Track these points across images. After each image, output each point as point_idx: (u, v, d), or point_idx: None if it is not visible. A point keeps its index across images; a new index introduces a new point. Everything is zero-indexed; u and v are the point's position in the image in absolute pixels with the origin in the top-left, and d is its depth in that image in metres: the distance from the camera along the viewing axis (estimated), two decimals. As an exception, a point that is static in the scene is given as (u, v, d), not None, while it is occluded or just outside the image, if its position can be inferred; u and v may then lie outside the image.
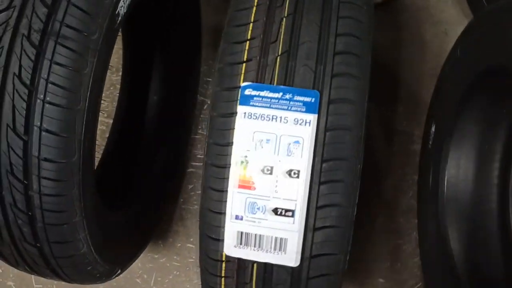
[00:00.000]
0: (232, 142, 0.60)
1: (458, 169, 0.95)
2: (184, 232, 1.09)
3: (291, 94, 0.59)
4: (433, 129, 0.98)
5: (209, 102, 1.14)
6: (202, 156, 1.12)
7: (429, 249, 0.98)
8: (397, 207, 1.05)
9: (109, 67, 1.17)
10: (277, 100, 0.59)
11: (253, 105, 0.59)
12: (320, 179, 0.59)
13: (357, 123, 0.59)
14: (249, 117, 0.59)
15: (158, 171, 1.07)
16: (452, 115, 0.93)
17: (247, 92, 0.60)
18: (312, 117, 0.59)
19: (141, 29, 1.05)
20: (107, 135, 1.11)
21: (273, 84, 0.60)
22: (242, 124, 0.60)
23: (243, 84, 0.60)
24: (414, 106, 1.08)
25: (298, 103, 0.59)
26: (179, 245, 1.09)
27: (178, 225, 1.10)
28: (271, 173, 0.60)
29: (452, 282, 0.88)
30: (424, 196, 1.02)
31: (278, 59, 0.60)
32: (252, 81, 0.60)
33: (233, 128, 0.60)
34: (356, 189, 0.60)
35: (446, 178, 0.95)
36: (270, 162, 0.60)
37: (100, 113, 1.15)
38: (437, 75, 1.01)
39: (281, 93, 0.59)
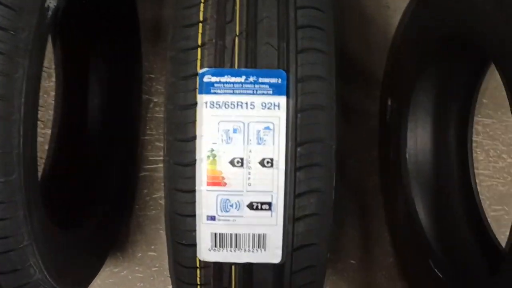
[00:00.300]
0: (195, 136, 0.54)
1: (416, 139, 0.94)
2: (144, 240, 1.02)
3: (255, 77, 0.53)
4: (389, 102, 0.96)
5: (155, 100, 1.06)
6: (154, 158, 1.05)
7: (397, 223, 0.97)
8: (361, 185, 1.02)
9: (40, 73, 1.08)
10: (240, 85, 0.53)
11: (214, 93, 0.53)
12: (296, 165, 0.53)
13: (329, 101, 0.54)
14: (212, 106, 0.53)
15: (108, 179, 0.98)
16: (407, 86, 0.91)
17: (206, 79, 0.53)
18: (281, 99, 0.53)
19: (72, 27, 0.96)
20: (46, 147, 1.01)
21: (234, 67, 0.54)
22: (205, 114, 0.53)
23: (201, 70, 0.54)
24: (367, 82, 1.05)
25: (264, 86, 0.53)
26: (139, 255, 1.01)
27: (136, 234, 1.02)
28: (242, 165, 0.54)
29: (423, 252, 0.87)
30: (386, 171, 1.00)
31: (236, 40, 0.54)
32: (211, 67, 0.54)
33: (195, 121, 0.53)
34: (333, 172, 0.55)
35: (407, 150, 0.93)
36: (240, 153, 0.54)
37: (36, 124, 1.06)
38: (386, 49, 0.99)
39: (244, 77, 0.53)
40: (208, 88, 0.53)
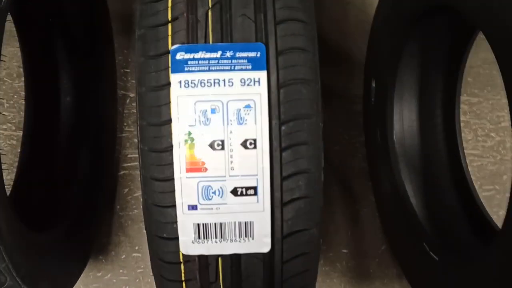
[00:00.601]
0: (170, 119, 0.49)
1: (403, 121, 0.91)
2: (127, 241, 0.97)
3: (232, 51, 0.49)
4: (373, 84, 0.93)
5: (131, 96, 1.01)
6: (133, 156, 1.00)
7: (388, 208, 0.93)
8: (349, 172, 0.98)
9: (8, 73, 1.03)
10: (216, 61, 0.49)
11: (188, 71, 0.48)
12: (281, 144, 0.49)
13: (313, 74, 0.50)
14: (186, 85, 0.48)
15: (84, 180, 0.93)
16: (390, 66, 0.88)
17: (179, 56, 0.49)
18: (261, 74, 0.49)
19: (38, 22, 0.90)
20: (19, 150, 0.95)
21: (209, 42, 0.49)
22: (179, 95, 0.48)
23: (172, 47, 0.49)
24: (347, 66, 1.02)
25: (242, 60, 0.49)
26: (123, 256, 0.96)
27: (119, 235, 0.97)
28: (222, 148, 0.49)
29: (416, 236, 0.84)
30: (374, 156, 0.96)
31: (209, 13, 0.49)
32: (183, 43, 0.49)
33: (169, 102, 0.49)
34: (322, 151, 0.51)
35: (394, 133, 0.90)
36: (220, 135, 0.49)
37: (7, 125, 1.00)
38: (367, 31, 0.96)
39: (220, 52, 0.49)
40: (181, 66, 0.49)
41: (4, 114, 1.00)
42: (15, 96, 1.02)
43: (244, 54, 0.49)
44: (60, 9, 0.91)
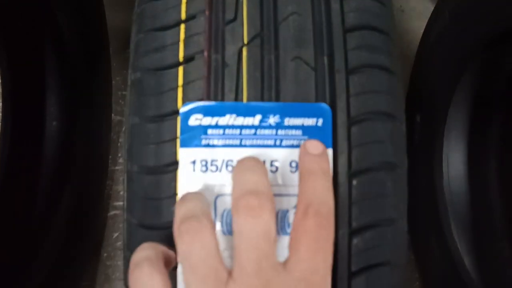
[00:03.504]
0: (171, 222, 0.28)
1: (456, 164, 0.74)
2: (114, 297, 0.79)
3: (278, 116, 0.29)
4: (418, 119, 0.75)
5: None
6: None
7: (433, 271, 0.75)
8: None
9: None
10: (253, 130, 0.29)
11: (208, 145, 0.28)
12: (350, 266, 0.29)
13: (400, 155, 0.30)
14: (204, 168, 0.28)
15: (66, 221, 0.75)
16: (442, 100, 0.71)
17: (194, 120, 0.29)
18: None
19: (23, 35, 0.72)
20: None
21: (242, 100, 0.29)
22: (192, 184, 0.28)
23: (183, 106, 0.29)
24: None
25: (295, 131, 0.29)
26: (109, 316, 0.78)
27: (105, 289, 0.79)
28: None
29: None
30: (415, 206, 0.78)
31: (244, 52, 0.29)
32: (201, 99, 0.29)
33: (175, 194, 0.28)
34: (405, 274, 0.31)
35: (443, 179, 0.72)
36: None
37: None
38: (403, 57, 0.78)
39: (259, 116, 0.29)
40: (196, 137, 0.29)
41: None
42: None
43: (298, 121, 0.28)
44: (52, 23, 0.72)
